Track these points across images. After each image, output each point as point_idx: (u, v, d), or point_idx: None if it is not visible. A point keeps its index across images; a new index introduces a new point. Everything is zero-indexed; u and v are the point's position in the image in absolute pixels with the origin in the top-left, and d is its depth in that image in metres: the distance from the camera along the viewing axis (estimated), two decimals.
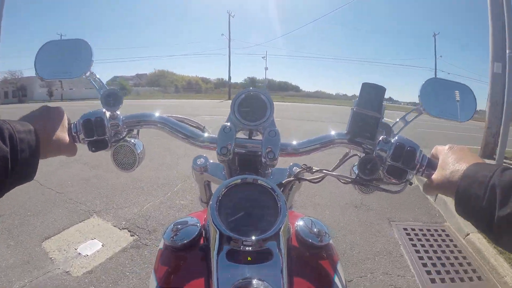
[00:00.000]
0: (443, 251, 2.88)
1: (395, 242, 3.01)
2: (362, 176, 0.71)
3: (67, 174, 4.71)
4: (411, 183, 0.71)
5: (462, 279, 2.49)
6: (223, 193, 0.60)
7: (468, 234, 3.06)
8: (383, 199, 4.04)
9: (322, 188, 4.29)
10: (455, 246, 2.99)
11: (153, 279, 0.64)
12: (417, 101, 0.82)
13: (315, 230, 0.68)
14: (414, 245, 2.95)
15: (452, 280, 2.47)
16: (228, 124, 0.74)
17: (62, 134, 0.67)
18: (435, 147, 0.69)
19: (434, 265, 2.64)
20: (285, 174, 0.83)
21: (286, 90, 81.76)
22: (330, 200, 3.96)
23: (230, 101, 0.78)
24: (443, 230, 3.31)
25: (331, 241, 0.71)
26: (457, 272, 2.57)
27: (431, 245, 2.97)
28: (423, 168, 0.69)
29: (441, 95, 0.82)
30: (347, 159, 0.83)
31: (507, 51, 3.63)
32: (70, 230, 3.04)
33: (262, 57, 54.86)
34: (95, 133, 0.74)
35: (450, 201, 3.56)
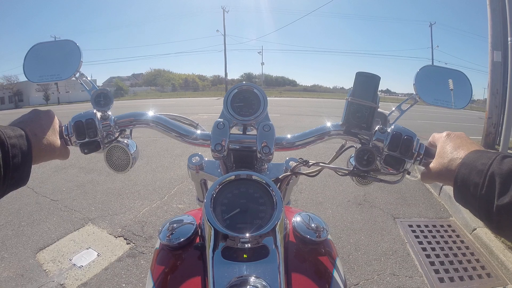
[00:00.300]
0: (450, 248, 2.80)
1: (401, 240, 2.92)
2: (359, 167, 0.70)
3: (61, 180, 4.61)
4: (409, 173, 0.71)
5: (471, 277, 2.41)
6: (217, 190, 0.59)
7: (475, 229, 2.98)
8: (386, 195, 3.95)
9: (324, 186, 4.22)
10: (462, 242, 2.91)
11: (150, 280, 0.63)
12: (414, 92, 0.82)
13: (312, 225, 0.67)
14: (421, 243, 2.86)
15: (461, 278, 2.39)
16: (222, 120, 0.74)
17: (54, 137, 0.66)
18: (433, 134, 0.68)
19: (442, 263, 2.56)
20: (281, 169, 0.84)
21: (283, 85, 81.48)
22: (332, 198, 3.86)
23: None
24: (449, 226, 3.22)
25: (329, 237, 0.70)
26: (465, 269, 2.49)
27: (438, 242, 2.89)
28: (421, 156, 0.68)
29: (436, 83, 0.82)
30: (344, 151, 0.81)
31: (509, 39, 3.54)
32: (64, 240, 2.94)
33: (258, 52, 54.51)
34: (87, 135, 0.73)
35: None
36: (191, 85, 66.31)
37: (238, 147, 0.76)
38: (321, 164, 0.73)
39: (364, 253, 2.70)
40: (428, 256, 2.66)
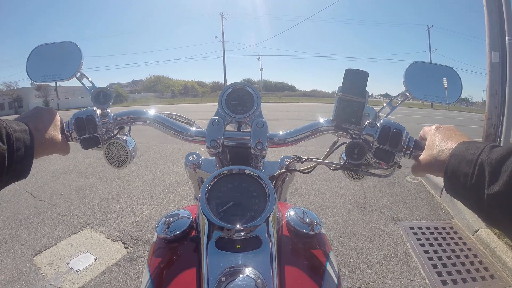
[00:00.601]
0: (453, 250, 2.76)
1: (402, 243, 2.88)
2: (351, 161, 0.71)
3: (60, 184, 4.57)
4: (399, 166, 0.71)
5: (474, 279, 2.38)
6: (211, 184, 0.60)
7: (477, 231, 2.95)
8: (387, 198, 3.93)
9: (324, 189, 4.19)
10: (465, 243, 2.88)
11: (146, 272, 0.64)
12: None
13: (306, 219, 0.67)
14: (423, 245, 2.83)
15: (464, 280, 2.36)
16: (217, 117, 0.76)
17: (55, 133, 0.69)
18: (423, 128, 0.69)
19: (444, 265, 2.53)
20: (277, 167, 0.87)
21: (282, 90, 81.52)
22: (333, 201, 3.83)
23: None
24: (451, 228, 3.19)
25: (323, 231, 0.71)
26: (468, 271, 2.46)
27: (440, 244, 2.86)
28: (411, 149, 0.69)
29: (425, 79, 0.83)
30: (337, 147, 0.83)
31: (507, 38, 3.53)
32: (62, 244, 2.92)
33: (257, 58, 54.80)
34: (87, 131, 0.76)
35: None
36: (190, 91, 66.24)
37: (233, 143, 0.78)
38: (313, 159, 0.75)
39: (366, 256, 2.66)
40: (430, 258, 2.63)
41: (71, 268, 2.52)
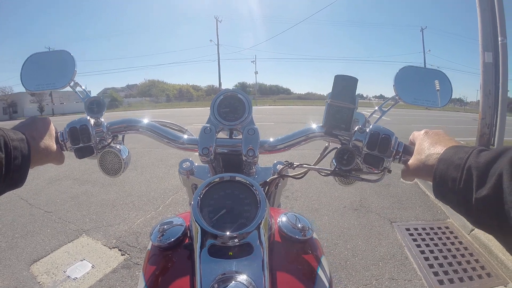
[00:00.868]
0: (449, 250, 2.79)
1: (398, 244, 2.90)
2: (341, 167, 0.72)
3: (55, 191, 4.54)
4: (389, 171, 0.72)
5: (471, 278, 2.40)
6: (203, 192, 0.60)
7: (473, 230, 2.98)
8: (383, 200, 3.95)
9: (319, 193, 4.21)
10: (461, 243, 2.91)
11: (141, 280, 0.64)
12: None
13: (298, 225, 0.68)
14: (419, 246, 2.85)
15: (461, 279, 2.38)
16: (208, 125, 0.77)
17: (50, 142, 0.69)
18: (412, 133, 0.69)
19: (441, 265, 2.55)
20: (269, 172, 0.87)
21: (277, 93, 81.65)
22: (328, 205, 3.84)
23: None
24: (447, 227, 3.21)
25: (315, 235, 0.71)
26: (465, 270, 2.48)
27: (436, 244, 2.88)
28: (400, 154, 0.70)
29: (415, 83, 0.84)
30: (328, 152, 0.84)
31: (499, 38, 3.59)
32: (59, 252, 2.90)
33: (252, 61, 54.70)
34: (81, 140, 0.76)
35: None
36: (185, 95, 66.07)
37: (225, 151, 0.79)
38: (305, 165, 0.76)
39: (362, 259, 2.67)
40: (426, 258, 2.64)
41: (68, 276, 2.50)
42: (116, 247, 2.93)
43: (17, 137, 0.58)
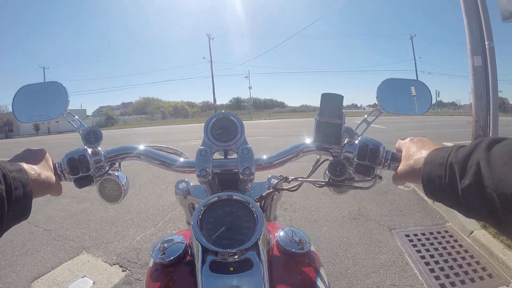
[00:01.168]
0: (449, 253, 2.79)
1: (398, 251, 2.90)
2: (334, 178, 0.76)
3: (54, 210, 4.54)
4: (380, 178, 0.76)
5: (472, 280, 2.40)
6: (202, 212, 0.63)
7: (472, 232, 2.99)
8: (381, 207, 3.97)
9: (318, 204, 4.22)
10: (461, 246, 2.92)
11: None
12: None
13: (295, 238, 0.71)
14: (419, 251, 2.85)
15: (463, 282, 2.38)
16: (203, 147, 0.79)
17: (49, 173, 0.69)
18: (398, 141, 0.75)
19: (442, 269, 2.55)
20: (264, 187, 0.88)
21: (272, 107, 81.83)
22: (327, 215, 3.84)
23: None
24: (446, 231, 3.23)
25: (312, 248, 0.73)
26: (466, 273, 2.49)
27: (436, 249, 2.89)
28: (389, 162, 0.74)
29: (397, 93, 0.90)
30: (320, 164, 0.87)
31: (486, 43, 3.68)
32: (59, 269, 2.88)
33: (245, 77, 54.97)
34: (80, 170, 0.77)
35: None
36: (180, 112, 66.18)
37: (221, 171, 0.81)
38: (299, 178, 0.80)
39: (362, 267, 2.67)
40: (427, 263, 2.65)
41: None
42: (117, 264, 2.91)
43: (15, 168, 0.57)
